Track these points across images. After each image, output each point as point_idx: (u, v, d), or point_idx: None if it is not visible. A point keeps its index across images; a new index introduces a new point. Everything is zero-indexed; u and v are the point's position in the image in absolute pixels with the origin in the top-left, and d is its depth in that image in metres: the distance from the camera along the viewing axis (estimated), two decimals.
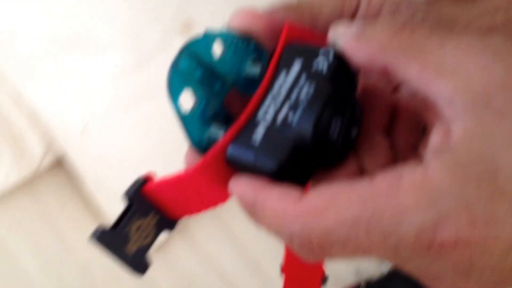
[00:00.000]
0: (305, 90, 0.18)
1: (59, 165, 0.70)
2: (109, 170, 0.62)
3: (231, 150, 0.18)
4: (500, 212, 0.15)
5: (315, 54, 0.19)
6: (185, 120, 0.19)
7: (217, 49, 0.20)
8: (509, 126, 0.15)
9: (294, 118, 0.18)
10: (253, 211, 0.18)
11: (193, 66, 0.19)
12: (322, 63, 0.18)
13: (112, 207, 0.65)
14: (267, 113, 0.18)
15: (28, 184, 0.67)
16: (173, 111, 0.19)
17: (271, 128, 0.18)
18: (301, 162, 0.18)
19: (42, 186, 0.68)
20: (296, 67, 0.19)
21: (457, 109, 0.16)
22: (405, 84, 0.17)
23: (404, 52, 0.17)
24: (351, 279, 0.64)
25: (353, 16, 0.21)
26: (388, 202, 0.15)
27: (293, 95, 0.18)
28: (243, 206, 0.18)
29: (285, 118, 0.18)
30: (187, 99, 0.20)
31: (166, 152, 0.63)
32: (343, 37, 0.18)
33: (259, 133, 0.18)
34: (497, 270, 0.15)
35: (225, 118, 0.20)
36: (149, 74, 0.58)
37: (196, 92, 0.20)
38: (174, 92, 0.19)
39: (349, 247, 0.16)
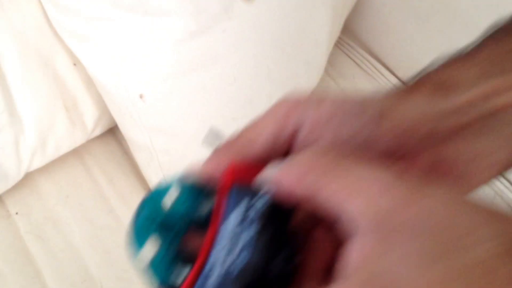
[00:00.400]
0: (246, 234, 0.21)
1: (111, 133, 0.69)
2: (161, 138, 0.60)
3: None
4: None
5: (254, 198, 0.21)
6: (151, 267, 0.22)
7: (169, 198, 0.23)
8: (405, 244, 0.17)
9: (239, 262, 0.20)
10: None
11: (148, 223, 0.22)
12: (260, 207, 0.21)
13: (162, 177, 0.63)
14: (216, 261, 0.21)
15: (79, 151, 0.67)
16: (135, 261, 0.22)
17: (223, 274, 0.20)
18: None
19: (93, 153, 0.68)
20: (239, 212, 0.21)
21: (360, 230, 0.18)
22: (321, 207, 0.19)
23: (319, 178, 0.19)
24: None
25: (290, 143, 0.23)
26: None
27: (237, 240, 0.21)
28: None
29: (232, 263, 0.20)
30: (150, 247, 0.22)
31: (222, 123, 0.61)
32: (271, 176, 0.21)
33: (214, 278, 0.20)
34: None
35: (187, 255, 0.23)
36: (210, 40, 0.55)
37: (158, 239, 0.22)
38: (135, 247, 0.22)
39: None
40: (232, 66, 0.58)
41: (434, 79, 0.27)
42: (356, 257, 0.19)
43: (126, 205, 0.62)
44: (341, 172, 0.20)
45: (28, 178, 0.61)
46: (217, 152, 0.25)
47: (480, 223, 0.19)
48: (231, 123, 0.61)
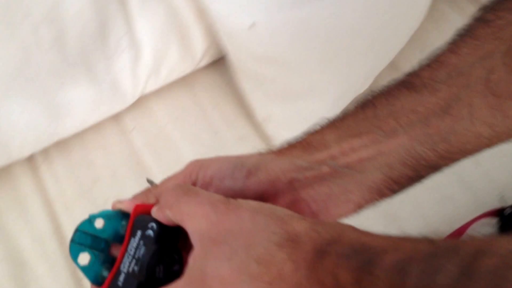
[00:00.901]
0: (141, 251, 0.32)
1: (218, 64, 0.73)
2: (270, 68, 0.63)
3: None
4: None
5: (148, 225, 0.32)
6: (84, 269, 0.34)
7: (99, 223, 0.34)
8: (216, 249, 0.28)
9: (136, 269, 0.32)
10: None
11: (83, 238, 0.34)
12: (150, 232, 0.32)
13: (265, 108, 0.66)
14: (124, 266, 0.32)
15: (188, 79, 0.71)
16: (77, 266, 0.34)
17: (127, 275, 0.32)
18: (146, 286, 0.32)
19: (200, 81, 0.72)
20: (138, 235, 0.33)
21: (193, 241, 0.29)
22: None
23: (173, 208, 0.31)
24: (495, 204, 0.59)
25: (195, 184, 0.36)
26: None
27: (136, 254, 0.32)
28: None
29: (133, 269, 0.32)
30: (84, 257, 0.34)
31: (327, 55, 0.62)
32: (154, 211, 0.33)
33: (121, 279, 0.32)
34: None
35: (111, 261, 0.34)
36: None
37: (88, 252, 0.34)
38: (73, 256, 0.34)
39: None
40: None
41: (304, 142, 0.37)
42: (190, 260, 0.30)
43: (231, 128, 0.67)
44: (180, 205, 0.31)
45: (142, 99, 0.67)
46: (141, 193, 0.37)
47: (268, 225, 0.29)
48: (335, 56, 0.62)
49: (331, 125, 0.38)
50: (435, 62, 0.37)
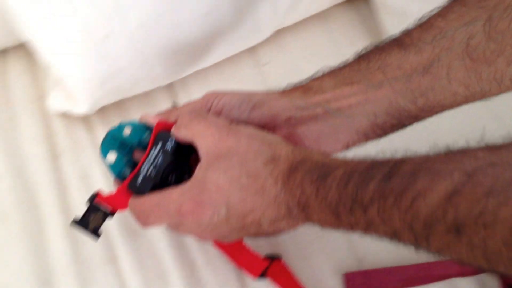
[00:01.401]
0: (159, 160, 0.40)
1: (352, 2, 0.70)
2: (417, 7, 0.58)
3: (128, 186, 0.41)
4: (204, 199, 0.37)
5: (167, 140, 0.41)
6: (110, 166, 0.43)
7: (127, 130, 0.43)
8: (217, 162, 0.36)
9: (153, 173, 0.40)
10: (138, 213, 0.41)
11: (112, 141, 0.43)
12: (169, 145, 0.41)
13: None
14: (144, 169, 0.41)
15: (324, 15, 0.69)
16: (104, 164, 0.44)
17: (145, 176, 0.41)
18: (158, 188, 0.40)
19: (337, 18, 0.69)
20: (158, 146, 0.41)
21: (200, 155, 0.38)
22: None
23: (186, 128, 0.40)
24: None
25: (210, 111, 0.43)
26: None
27: (155, 162, 0.40)
28: (131, 212, 0.42)
29: (151, 173, 0.40)
30: (112, 155, 0.43)
31: None
32: (173, 128, 0.41)
33: (140, 178, 0.41)
34: (211, 223, 0.38)
35: (132, 164, 0.43)
36: None
37: (115, 153, 0.43)
38: (103, 154, 0.43)
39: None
40: None
41: (305, 86, 0.43)
42: (196, 170, 0.37)
43: None
44: (193, 125, 0.39)
45: (278, 34, 0.66)
46: (164, 112, 0.45)
47: (258, 147, 0.36)
48: None
49: (331, 73, 0.43)
50: (425, 23, 0.41)
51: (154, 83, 0.60)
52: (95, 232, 0.43)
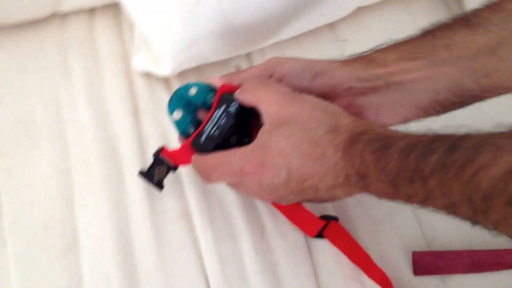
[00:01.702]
0: (223, 121, 0.43)
1: None
2: None
3: (193, 142, 0.44)
4: (266, 161, 0.38)
5: (231, 103, 0.43)
6: (176, 123, 0.46)
7: (193, 90, 0.46)
8: (280, 128, 0.38)
9: (216, 133, 0.43)
10: (201, 170, 0.43)
11: (179, 99, 0.45)
12: (232, 108, 0.43)
13: None
14: (207, 128, 0.43)
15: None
16: (170, 120, 0.46)
17: (208, 135, 0.43)
18: (220, 149, 0.42)
19: (418, 0, 0.69)
20: (222, 108, 0.43)
21: (264, 119, 0.39)
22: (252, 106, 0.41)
23: (251, 93, 0.41)
24: None
25: (271, 77, 0.45)
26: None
27: (218, 122, 0.43)
28: (194, 168, 0.44)
29: (214, 133, 0.43)
30: (177, 113, 0.46)
31: None
32: (237, 92, 0.43)
33: (203, 137, 0.43)
34: (271, 184, 0.40)
35: (196, 122, 0.45)
36: None
37: (181, 111, 0.45)
38: (170, 111, 0.46)
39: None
40: None
41: (368, 57, 0.44)
42: (259, 134, 0.39)
43: None
44: (258, 91, 0.40)
45: (358, 12, 0.66)
46: (228, 75, 0.46)
47: (321, 116, 0.37)
48: None
49: (394, 46, 0.44)
50: (495, 4, 0.41)
51: (235, 51, 0.61)
52: (159, 184, 0.47)
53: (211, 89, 0.46)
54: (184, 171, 0.55)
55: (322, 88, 0.43)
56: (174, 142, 0.57)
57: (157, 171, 0.47)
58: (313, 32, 0.65)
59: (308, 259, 0.53)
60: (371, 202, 0.56)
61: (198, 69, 0.62)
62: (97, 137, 0.56)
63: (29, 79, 0.59)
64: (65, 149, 0.55)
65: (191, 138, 0.44)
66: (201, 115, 0.46)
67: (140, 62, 0.59)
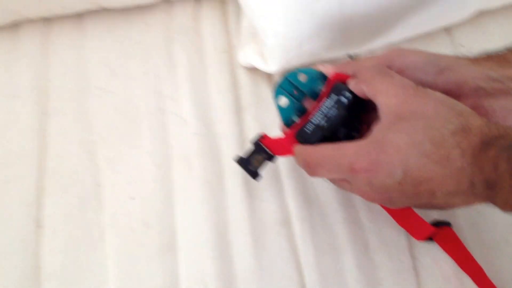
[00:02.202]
0: (332, 112, 0.40)
1: None
2: None
3: (298, 133, 0.41)
4: (381, 158, 0.34)
5: (343, 93, 0.40)
6: (281, 110, 0.43)
7: (302, 77, 0.43)
8: (400, 123, 0.35)
9: (325, 124, 0.40)
10: (306, 162, 0.40)
11: (287, 85, 0.43)
12: (344, 99, 0.40)
13: None
14: (315, 118, 0.40)
15: None
16: (275, 105, 0.43)
17: (315, 126, 0.40)
18: (326, 140, 0.39)
19: None
20: (333, 98, 0.40)
21: (381, 113, 0.36)
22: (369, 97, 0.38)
23: (368, 83, 0.38)
24: None
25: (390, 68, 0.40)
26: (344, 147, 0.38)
27: (328, 113, 0.40)
28: (297, 159, 0.41)
29: (322, 123, 0.40)
30: (284, 99, 0.43)
31: None
32: (350, 81, 0.40)
33: (310, 127, 0.41)
34: (383, 185, 0.35)
35: (302, 111, 0.42)
36: None
37: (287, 98, 0.43)
38: (276, 97, 0.43)
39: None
40: None
41: (501, 57, 0.41)
42: (374, 128, 0.36)
43: None
44: (376, 82, 0.37)
45: (479, 17, 0.61)
46: (341, 64, 0.42)
47: (447, 115, 0.34)
48: None
49: None
50: None
51: (346, 49, 0.57)
52: (255, 173, 0.45)
53: (322, 77, 0.43)
54: (286, 175, 0.53)
55: (446, 85, 0.39)
56: None
57: (255, 159, 0.45)
58: (429, 35, 0.60)
59: (414, 280, 0.49)
60: (485, 226, 0.52)
61: (303, 65, 0.58)
62: (198, 133, 0.54)
63: (133, 66, 0.57)
64: (166, 142, 0.54)
65: (296, 127, 0.42)
66: (308, 103, 0.43)
67: (246, 56, 0.57)
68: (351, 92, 0.40)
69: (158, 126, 0.54)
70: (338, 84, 0.41)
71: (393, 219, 0.49)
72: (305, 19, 0.51)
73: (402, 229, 0.51)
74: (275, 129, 0.55)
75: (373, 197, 0.38)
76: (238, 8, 0.62)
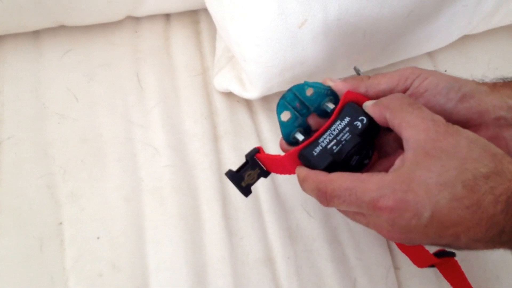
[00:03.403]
0: (345, 136, 0.36)
1: None
2: None
3: (303, 152, 0.37)
4: (408, 198, 0.31)
5: (358, 117, 0.36)
6: (282, 124, 0.39)
7: (309, 91, 0.39)
8: (429, 161, 0.32)
9: (335, 149, 0.36)
10: (320, 191, 0.36)
11: (292, 98, 0.39)
12: (359, 124, 0.36)
13: None
14: (324, 140, 0.36)
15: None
16: (278, 119, 0.39)
17: (324, 149, 0.36)
18: (335, 168, 0.36)
19: None
20: (345, 120, 0.36)
21: (406, 147, 0.33)
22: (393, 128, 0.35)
23: (393, 112, 0.34)
24: None
25: (406, 91, 0.38)
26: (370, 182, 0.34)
27: (339, 136, 0.36)
28: (304, 185, 0.37)
29: (332, 147, 0.36)
30: (286, 115, 0.39)
31: None
32: (368, 104, 0.37)
33: (318, 149, 0.36)
34: (407, 226, 0.32)
35: (305, 128, 0.40)
36: None
37: (291, 112, 0.39)
38: (279, 110, 0.39)
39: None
40: None
41: None
42: (398, 162, 0.34)
43: None
44: (403, 112, 0.34)
45: (461, 40, 0.59)
46: (353, 80, 0.39)
47: (480, 156, 0.32)
48: None
49: None
50: None
51: (330, 75, 0.54)
52: (247, 189, 0.41)
53: (330, 93, 0.40)
54: (267, 208, 0.49)
55: (467, 114, 0.37)
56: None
57: (247, 174, 0.41)
58: (411, 58, 0.58)
59: None
60: (476, 262, 0.50)
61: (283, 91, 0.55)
62: (171, 164, 0.50)
63: (98, 90, 0.52)
64: (135, 175, 0.49)
65: (300, 146, 0.37)
66: (312, 121, 0.40)
67: (223, 81, 0.53)
68: (366, 115, 0.36)
69: (127, 157, 0.49)
70: (351, 105, 0.37)
71: (382, 253, 0.46)
72: (289, 47, 0.48)
73: (391, 266, 0.49)
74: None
75: (393, 236, 0.35)
76: (211, 26, 0.58)
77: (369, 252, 0.49)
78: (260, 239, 0.48)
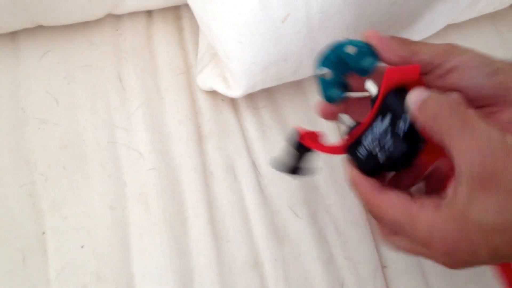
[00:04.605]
0: (389, 143, 0.32)
1: None
2: None
3: (350, 152, 0.35)
4: (462, 242, 0.29)
5: (401, 115, 0.32)
6: (322, 82, 0.37)
7: (349, 49, 0.35)
8: (488, 194, 0.28)
9: (381, 156, 0.33)
10: (373, 212, 0.34)
11: (332, 55, 0.36)
12: (402, 125, 0.32)
13: None
14: (366, 140, 0.34)
15: (495, 15, 0.61)
16: (315, 75, 0.37)
17: (368, 153, 0.34)
18: (379, 171, 0.34)
19: (508, 20, 0.61)
20: (387, 119, 0.32)
21: (459, 172, 0.29)
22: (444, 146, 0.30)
23: (441, 126, 0.30)
24: None
25: (439, 66, 0.34)
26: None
27: (381, 141, 0.33)
28: (354, 191, 0.35)
29: (376, 152, 0.33)
30: (325, 70, 0.36)
31: None
32: (412, 105, 0.31)
33: (363, 152, 0.34)
34: (465, 262, 0.30)
35: (343, 86, 0.37)
36: None
37: (330, 68, 0.36)
38: (317, 65, 0.37)
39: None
40: None
41: None
42: (450, 191, 0.30)
43: None
44: (453, 129, 0.30)
45: (445, 30, 0.58)
46: (393, 39, 0.35)
47: None
48: None
49: None
50: None
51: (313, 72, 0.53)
52: (303, 169, 0.40)
53: (372, 52, 0.36)
54: (253, 210, 0.48)
55: (495, 88, 0.35)
56: (242, 178, 0.50)
57: (296, 158, 0.39)
58: None
59: None
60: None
61: (267, 88, 0.54)
62: (156, 168, 0.49)
63: (78, 92, 0.51)
64: (119, 180, 0.48)
65: (346, 144, 0.36)
66: (351, 80, 0.37)
67: (206, 80, 0.51)
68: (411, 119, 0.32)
69: (110, 162, 0.48)
70: (393, 97, 0.33)
71: (369, 252, 0.45)
72: (272, 43, 0.46)
73: (379, 265, 0.48)
74: (241, 162, 0.51)
75: (450, 266, 0.33)
76: (194, 22, 0.56)
77: (356, 251, 0.49)
78: (247, 242, 0.48)
